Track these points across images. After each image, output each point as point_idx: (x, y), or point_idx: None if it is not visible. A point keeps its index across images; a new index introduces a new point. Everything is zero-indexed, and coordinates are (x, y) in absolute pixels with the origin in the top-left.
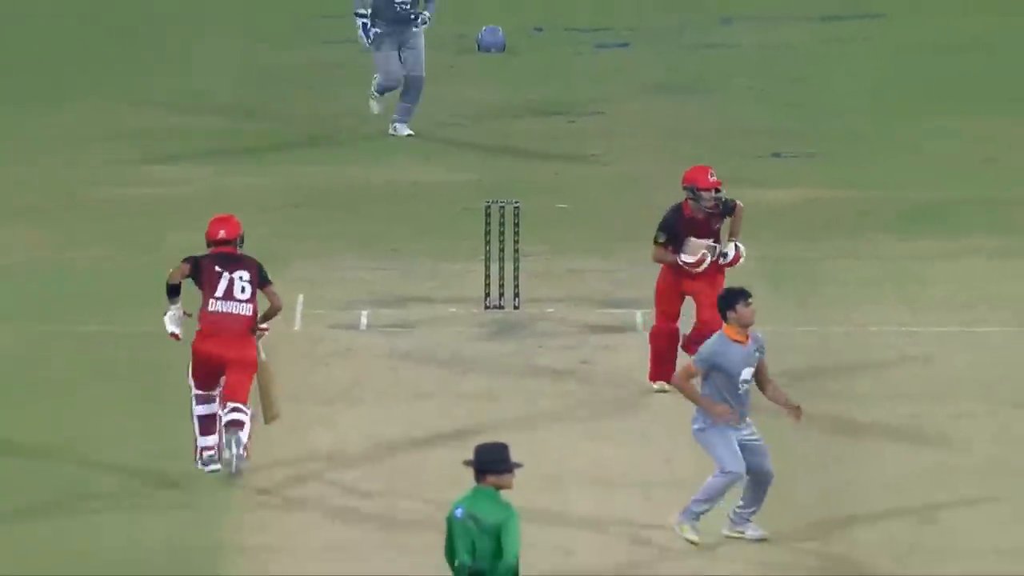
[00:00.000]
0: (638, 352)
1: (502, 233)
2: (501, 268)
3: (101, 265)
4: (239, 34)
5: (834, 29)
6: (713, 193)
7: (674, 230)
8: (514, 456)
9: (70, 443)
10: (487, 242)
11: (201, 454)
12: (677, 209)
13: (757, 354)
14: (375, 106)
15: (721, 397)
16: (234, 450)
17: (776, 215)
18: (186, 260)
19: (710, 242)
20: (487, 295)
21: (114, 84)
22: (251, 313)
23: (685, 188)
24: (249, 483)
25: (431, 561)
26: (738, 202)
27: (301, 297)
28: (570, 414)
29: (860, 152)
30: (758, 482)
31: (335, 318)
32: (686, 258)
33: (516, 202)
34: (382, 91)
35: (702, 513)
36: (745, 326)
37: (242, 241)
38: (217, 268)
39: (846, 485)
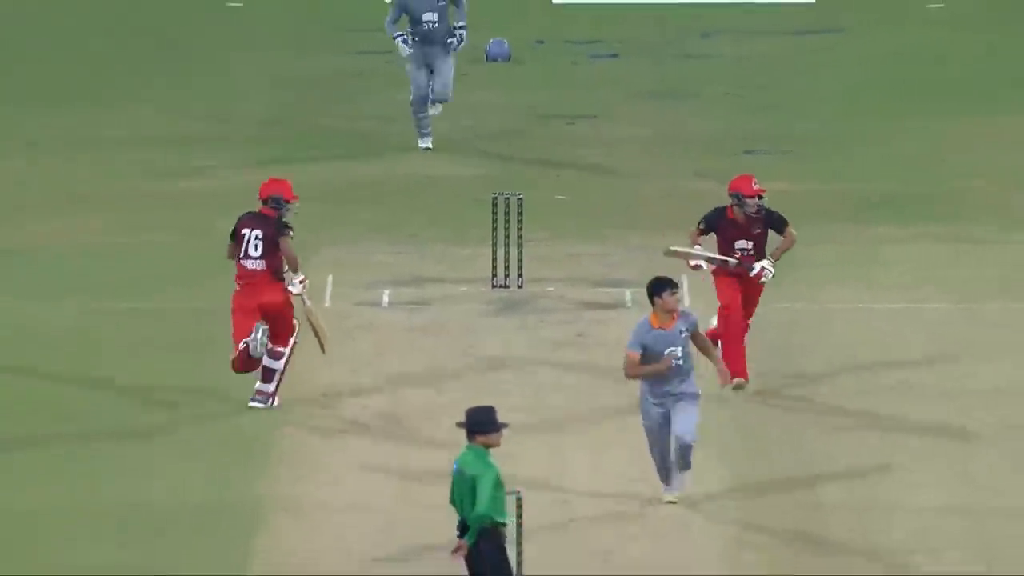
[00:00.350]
0: (627, 326)
1: (507, 221)
2: (506, 252)
3: (155, 249)
4: (272, 46)
5: (801, 41)
6: (756, 200)
7: (713, 226)
8: (515, 416)
9: (124, 404)
10: (494, 229)
11: (254, 396)
12: (721, 210)
13: (684, 333)
14: (423, 141)
15: (671, 366)
16: (258, 335)
17: None
18: (231, 236)
19: (705, 254)
20: (494, 276)
21: (162, 88)
22: (265, 267)
23: (731, 195)
24: (283, 442)
25: (442, 514)
26: (792, 230)
27: (330, 278)
28: (568, 380)
29: (825, 150)
30: (683, 457)
31: (360, 296)
32: (694, 258)
33: (520, 194)
34: (413, 103)
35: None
36: (669, 312)
37: (276, 203)
38: (243, 231)
39: (812, 443)
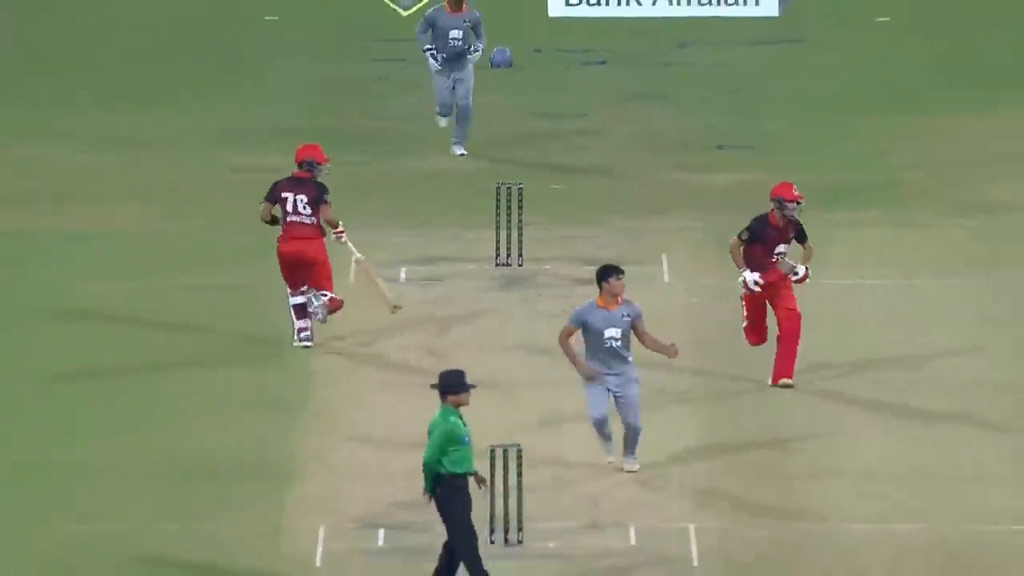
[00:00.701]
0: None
1: (508, 208)
2: (508, 234)
3: (203, 232)
4: (302, 54)
5: (765, 51)
6: (795, 204)
7: (758, 233)
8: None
9: (181, 356)
10: (497, 214)
11: (298, 333)
12: (764, 217)
13: (626, 318)
14: (441, 121)
15: (593, 351)
16: (315, 303)
17: (721, 194)
18: (265, 198)
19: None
20: (497, 255)
21: (210, 92)
22: (315, 223)
23: (773, 200)
24: (314, 402)
25: None
26: (810, 243)
27: (355, 258)
28: (557, 341)
29: (786, 145)
30: (626, 431)
31: (381, 273)
32: (749, 279)
33: (520, 184)
34: (440, 113)
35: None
36: (614, 295)
37: (310, 166)
38: (284, 193)
39: (763, 408)
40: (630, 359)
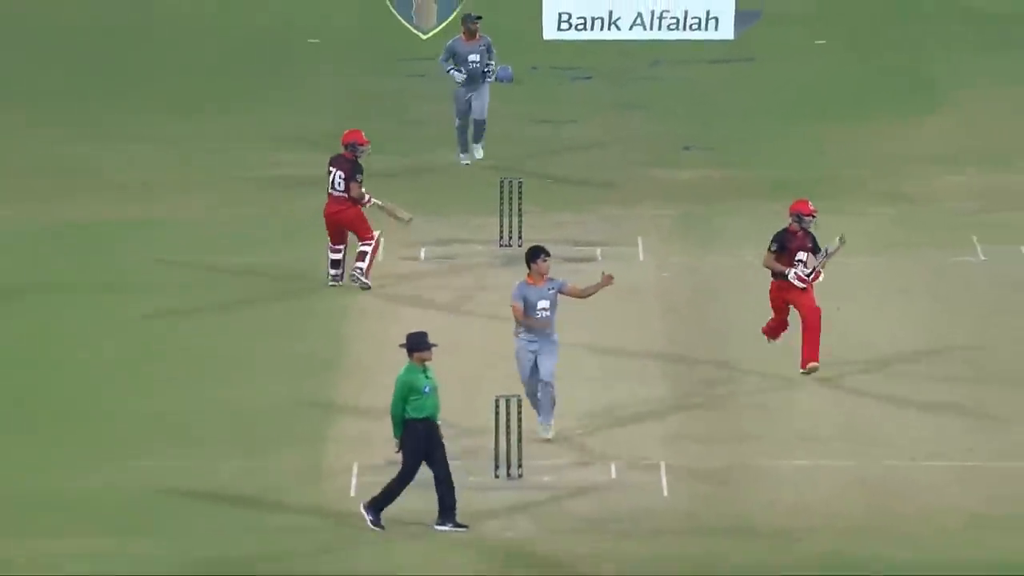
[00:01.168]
0: (597, 273)
1: (510, 199)
2: (510, 221)
3: (251, 218)
4: (340, 71)
5: (723, 68)
6: (811, 217)
7: (783, 243)
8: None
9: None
10: (501, 204)
11: (330, 276)
12: (785, 230)
13: (551, 291)
14: (463, 159)
15: (543, 318)
16: (356, 275)
17: (687, 187)
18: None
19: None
20: (500, 238)
21: (263, 103)
22: (347, 195)
23: (792, 214)
24: (348, 358)
25: (467, 409)
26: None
27: (383, 240)
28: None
29: (741, 147)
30: (540, 391)
31: (404, 253)
32: (792, 277)
33: (520, 179)
34: (458, 126)
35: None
36: (541, 274)
37: (352, 148)
38: (329, 169)
39: (722, 365)
40: (554, 324)
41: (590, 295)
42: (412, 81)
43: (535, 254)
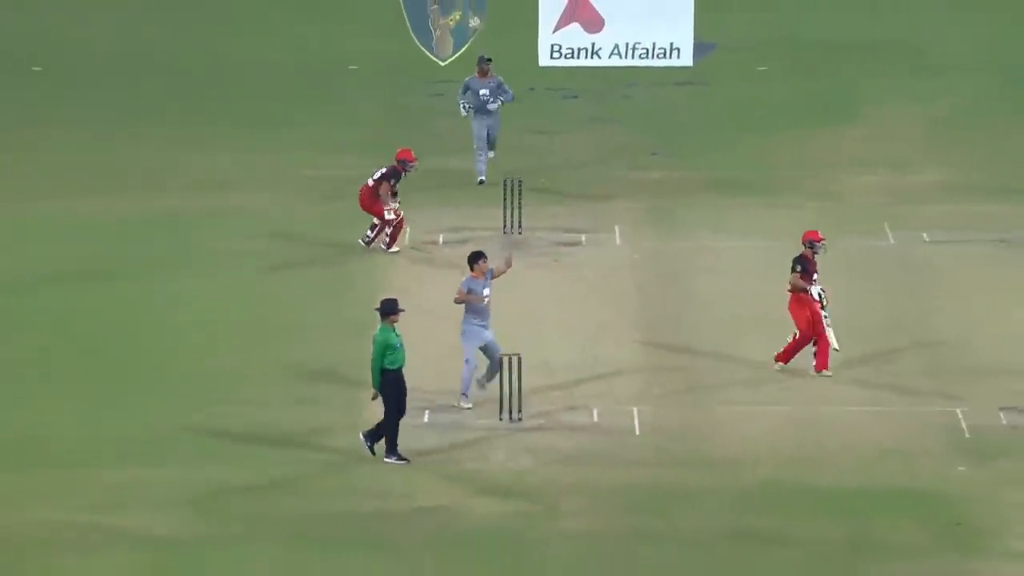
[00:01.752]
0: (582, 255)
1: (512, 194)
2: (511, 212)
3: (305, 209)
4: (375, 90)
5: (684, 89)
6: (822, 243)
7: (804, 267)
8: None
9: (290, 292)
10: (504, 198)
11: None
12: (802, 256)
13: (490, 281)
14: (482, 178)
15: (476, 308)
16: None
17: (654, 185)
18: None
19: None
20: (504, 225)
21: (309, 116)
22: (372, 185)
23: (805, 242)
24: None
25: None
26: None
27: (408, 227)
28: (544, 283)
29: (698, 153)
30: (492, 367)
31: (426, 237)
32: (815, 292)
33: (520, 178)
34: (476, 149)
35: (466, 391)
36: (482, 272)
37: (402, 164)
38: (377, 169)
39: (683, 329)
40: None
41: (503, 272)
42: (433, 100)
43: (478, 257)
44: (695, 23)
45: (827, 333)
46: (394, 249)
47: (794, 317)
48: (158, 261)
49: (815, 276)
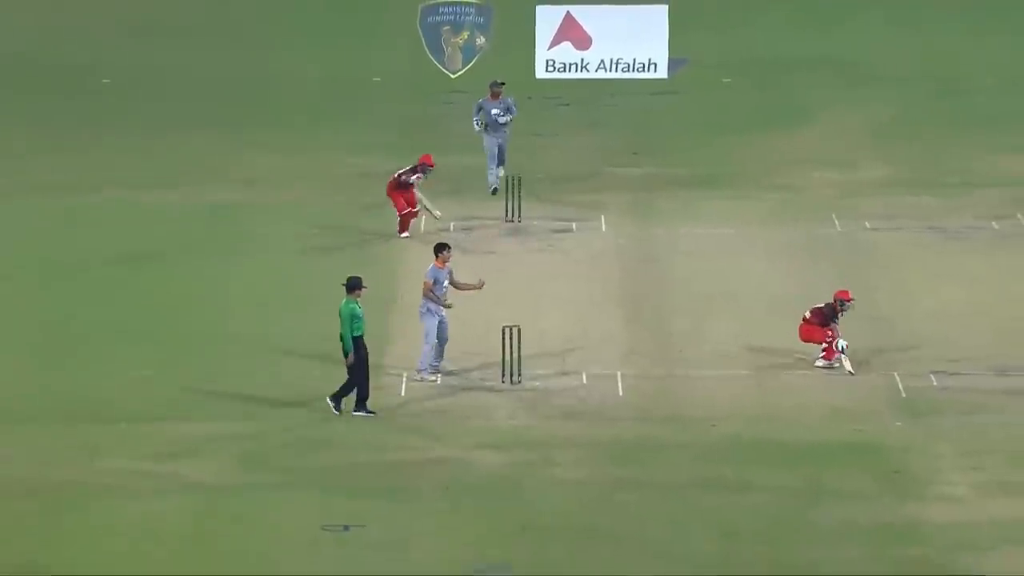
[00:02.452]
0: (575, 242)
1: (513, 188)
2: (512, 203)
3: (337, 201)
4: (395, 102)
5: (660, 98)
6: (850, 303)
7: (832, 319)
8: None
9: (320, 269)
10: (506, 191)
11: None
12: (832, 309)
13: (449, 273)
14: (492, 189)
15: (440, 292)
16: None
17: (636, 180)
18: None
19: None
20: (506, 215)
21: (337, 124)
22: (395, 177)
23: (837, 299)
24: (400, 292)
25: (478, 334)
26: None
27: (424, 217)
28: (541, 265)
29: (673, 152)
30: (442, 346)
31: (438, 225)
32: (843, 344)
33: (519, 175)
34: (489, 163)
35: (428, 367)
36: (444, 261)
37: (423, 167)
38: (405, 169)
39: (663, 306)
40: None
41: (460, 289)
42: (446, 107)
43: (443, 247)
44: (669, 42)
45: (845, 363)
46: (405, 235)
47: (810, 340)
48: (210, 245)
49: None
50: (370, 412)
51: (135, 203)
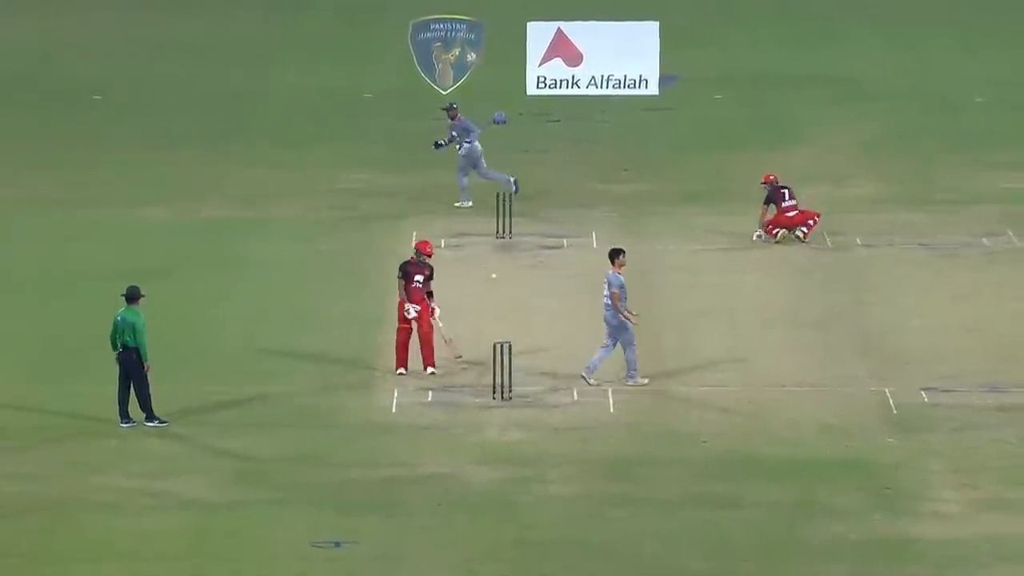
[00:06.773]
0: (564, 258)
1: (504, 204)
2: (503, 220)
3: (331, 215)
4: (395, 117)
5: (651, 114)
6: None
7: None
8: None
9: (323, 273)
10: (497, 207)
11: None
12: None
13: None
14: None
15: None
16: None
17: (625, 197)
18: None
19: None
20: (497, 231)
21: (336, 138)
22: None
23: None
24: (391, 313)
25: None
26: None
27: (415, 233)
28: (531, 280)
29: (662, 168)
30: (608, 353)
31: (441, 240)
32: None
33: (509, 191)
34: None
35: (634, 371)
36: (621, 267)
37: (417, 254)
38: (405, 271)
39: (651, 313)
40: None
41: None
42: (435, 123)
43: (619, 252)
44: (660, 59)
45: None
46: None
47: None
48: (205, 261)
49: None
50: (163, 422)
51: (130, 219)
